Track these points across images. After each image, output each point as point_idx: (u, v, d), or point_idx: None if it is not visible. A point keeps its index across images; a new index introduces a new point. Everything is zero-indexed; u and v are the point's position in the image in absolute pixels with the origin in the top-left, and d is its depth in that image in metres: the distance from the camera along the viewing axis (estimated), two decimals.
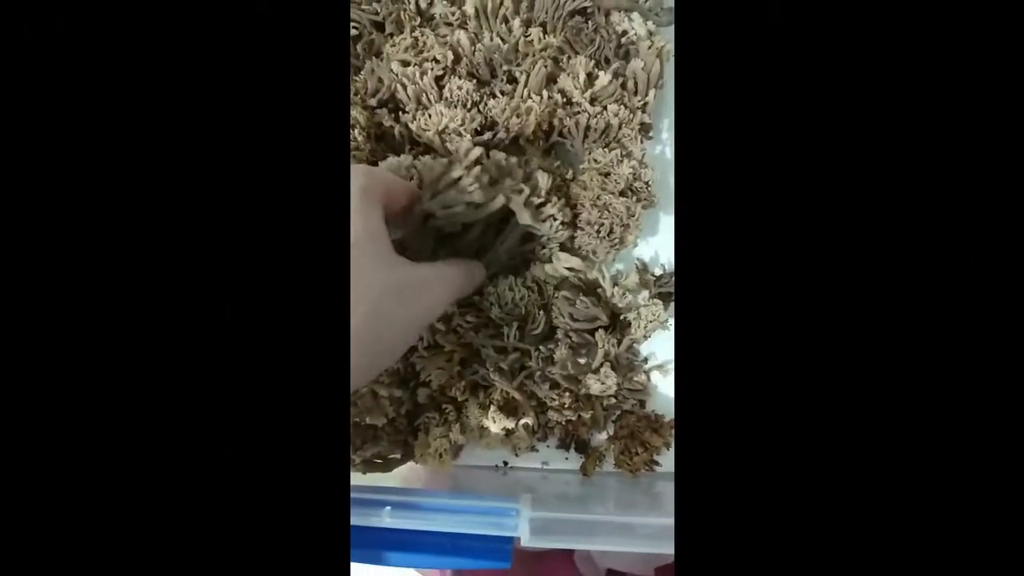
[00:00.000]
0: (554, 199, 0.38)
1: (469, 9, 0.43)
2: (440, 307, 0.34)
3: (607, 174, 0.40)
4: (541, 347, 0.40)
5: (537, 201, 0.37)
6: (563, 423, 0.40)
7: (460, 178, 0.34)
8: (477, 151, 0.35)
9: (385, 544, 0.33)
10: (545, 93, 0.41)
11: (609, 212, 0.38)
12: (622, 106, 0.41)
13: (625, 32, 0.42)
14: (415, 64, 0.41)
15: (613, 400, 0.41)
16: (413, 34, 0.42)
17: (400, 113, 0.42)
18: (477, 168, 0.34)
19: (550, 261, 0.41)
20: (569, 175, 0.41)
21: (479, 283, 0.39)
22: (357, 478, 0.39)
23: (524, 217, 0.36)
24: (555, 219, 0.38)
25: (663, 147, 0.44)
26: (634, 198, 0.40)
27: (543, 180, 0.37)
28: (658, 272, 0.43)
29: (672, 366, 0.42)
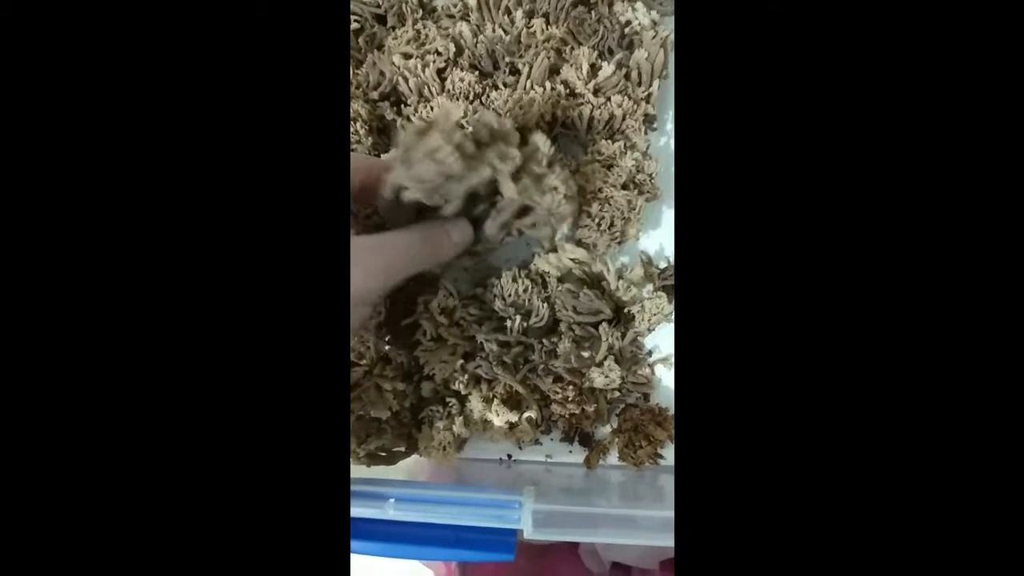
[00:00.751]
0: (557, 169, 0.33)
1: (471, 0, 0.42)
2: (382, 279, 0.30)
3: (610, 166, 0.40)
4: (544, 340, 0.40)
5: (538, 171, 0.32)
6: (567, 416, 0.40)
7: (438, 147, 0.29)
8: (459, 111, 0.30)
9: (390, 536, 0.33)
10: (548, 84, 0.40)
11: (610, 205, 0.37)
12: (626, 97, 0.41)
13: (629, 22, 0.42)
14: (417, 56, 0.41)
15: (617, 393, 0.41)
16: (415, 26, 0.42)
17: (402, 106, 0.42)
18: (459, 133, 0.29)
19: (555, 250, 0.41)
20: (573, 167, 0.41)
21: (462, 244, 0.34)
22: (362, 471, 0.40)
23: (509, 190, 0.31)
24: (557, 191, 0.33)
25: (668, 138, 0.44)
26: (636, 191, 0.39)
27: (544, 146, 0.33)
28: (662, 265, 0.42)
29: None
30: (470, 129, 0.31)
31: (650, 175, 0.40)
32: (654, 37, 0.41)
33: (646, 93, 0.41)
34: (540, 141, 0.33)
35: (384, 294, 0.35)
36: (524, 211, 0.35)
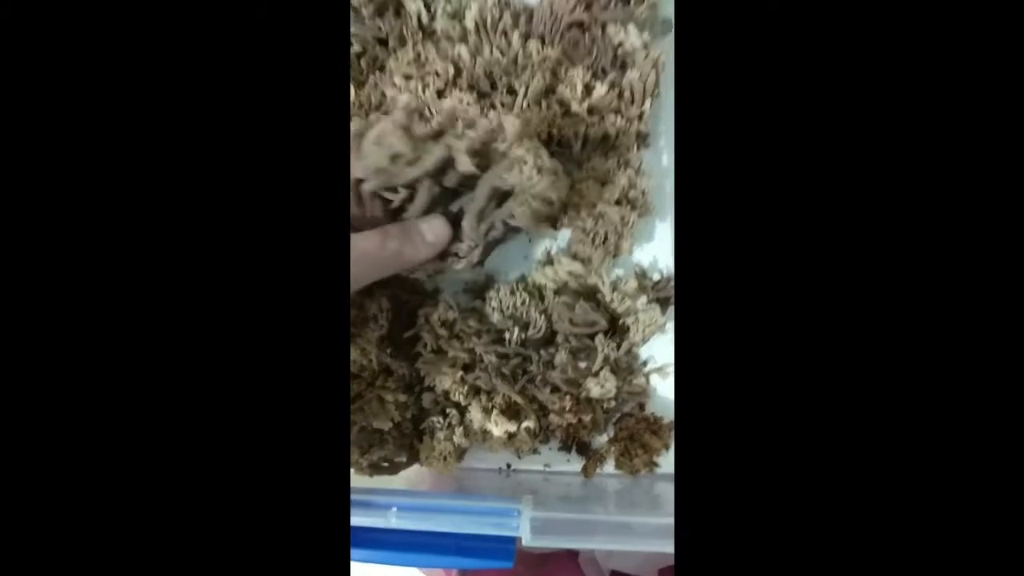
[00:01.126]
0: (525, 141, 0.31)
1: (469, 23, 0.44)
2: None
3: (604, 183, 0.41)
4: (542, 351, 0.41)
5: (502, 148, 0.31)
6: (564, 426, 0.41)
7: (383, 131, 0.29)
8: (405, 97, 0.30)
9: (391, 544, 0.34)
10: (544, 104, 0.42)
11: (604, 220, 0.39)
12: (619, 116, 0.42)
13: (621, 43, 0.43)
14: (417, 77, 0.43)
15: (613, 403, 0.42)
16: (415, 49, 0.44)
17: None
18: (403, 114, 0.29)
19: (551, 263, 0.42)
20: (568, 184, 0.42)
21: (438, 243, 0.32)
22: (364, 481, 0.40)
23: (464, 164, 0.30)
24: (525, 163, 0.31)
25: (660, 155, 0.45)
26: (629, 206, 0.41)
27: (509, 124, 0.31)
28: (656, 277, 0.43)
29: (671, 369, 0.43)
30: (435, 122, 0.30)
31: (643, 191, 0.41)
32: (646, 57, 0.42)
33: (639, 112, 0.43)
34: (506, 120, 0.32)
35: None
36: (502, 198, 0.33)
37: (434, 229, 0.32)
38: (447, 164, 0.30)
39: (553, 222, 0.41)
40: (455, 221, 0.33)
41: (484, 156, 0.31)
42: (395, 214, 0.32)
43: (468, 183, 0.32)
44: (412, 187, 0.31)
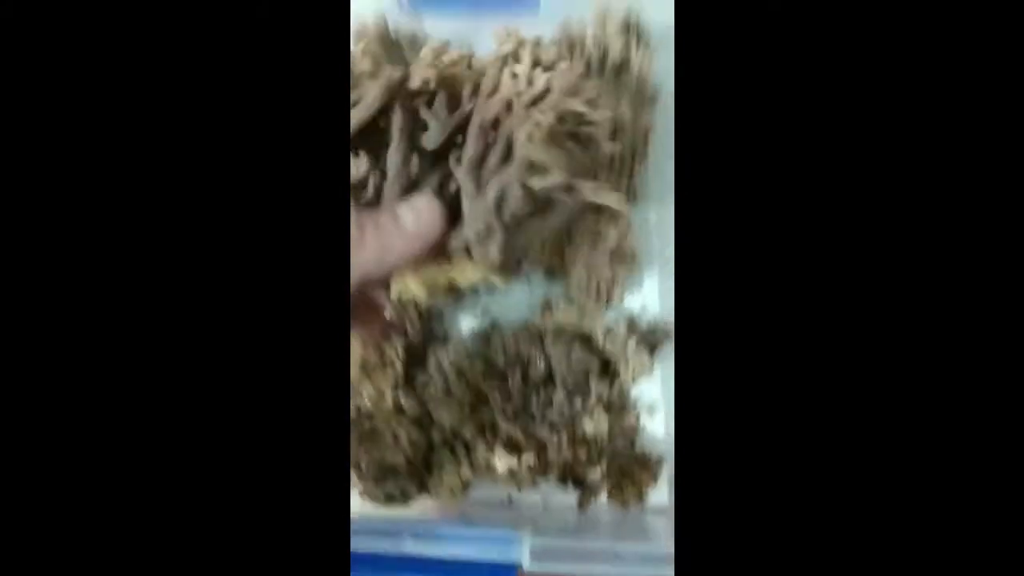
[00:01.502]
0: (524, 55, 0.25)
1: None
2: None
3: (597, 233, 0.45)
4: (541, 391, 0.45)
5: (491, 72, 0.24)
6: (561, 461, 0.45)
7: None
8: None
9: (400, 570, 0.37)
10: None
11: (597, 271, 0.43)
12: (612, 174, 0.46)
13: (612, 112, 0.48)
14: None
15: (606, 440, 0.46)
16: None
17: None
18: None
19: (550, 309, 0.46)
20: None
21: (425, 232, 0.23)
22: (378, 510, 0.44)
23: (419, 75, 0.23)
24: (516, 60, 0.25)
25: (647, 211, 0.50)
26: (619, 258, 0.45)
27: (507, 36, 0.26)
28: (644, 325, 0.48)
29: (658, 408, 0.47)
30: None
31: (632, 244, 0.46)
32: (636, 123, 0.47)
33: (630, 172, 0.47)
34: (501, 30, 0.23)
35: None
36: (508, 148, 0.24)
37: (418, 212, 0.23)
38: (408, 97, 0.22)
39: (599, 163, 0.33)
40: (455, 207, 0.24)
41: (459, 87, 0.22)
42: (371, 205, 0.24)
43: (453, 140, 0.22)
44: (377, 156, 0.22)
